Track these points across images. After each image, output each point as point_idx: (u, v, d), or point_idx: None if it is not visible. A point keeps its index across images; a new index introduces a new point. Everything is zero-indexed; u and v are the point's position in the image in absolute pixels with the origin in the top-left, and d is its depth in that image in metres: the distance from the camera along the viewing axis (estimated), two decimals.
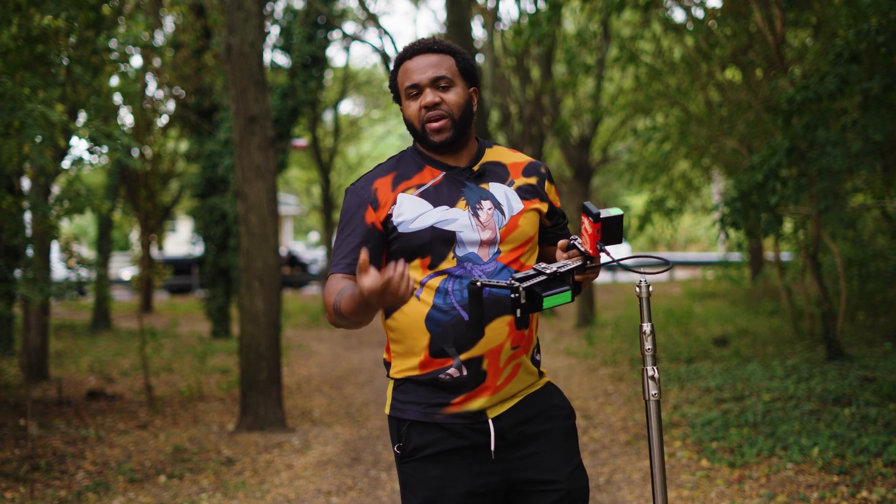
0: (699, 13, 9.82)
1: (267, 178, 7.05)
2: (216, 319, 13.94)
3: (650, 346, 2.04)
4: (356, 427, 7.19)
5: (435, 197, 2.15)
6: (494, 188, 2.19)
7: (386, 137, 29.47)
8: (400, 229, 2.12)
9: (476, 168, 2.21)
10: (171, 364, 10.75)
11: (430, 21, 31.12)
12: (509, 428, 2.14)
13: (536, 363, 2.24)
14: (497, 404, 2.14)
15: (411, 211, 2.13)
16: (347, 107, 28.18)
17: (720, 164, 12.37)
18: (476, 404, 2.13)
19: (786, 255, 14.14)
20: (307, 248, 36.01)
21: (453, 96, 2.15)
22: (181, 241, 35.17)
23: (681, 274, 25.19)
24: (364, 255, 1.82)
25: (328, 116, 21.88)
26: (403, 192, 2.16)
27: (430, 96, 2.14)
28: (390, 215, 2.14)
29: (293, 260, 26.57)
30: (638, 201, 24.56)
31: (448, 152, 2.20)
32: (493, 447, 2.13)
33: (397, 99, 2.24)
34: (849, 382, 6.47)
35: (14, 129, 5.86)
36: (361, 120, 24.92)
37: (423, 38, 2.21)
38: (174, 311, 18.97)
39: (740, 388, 6.98)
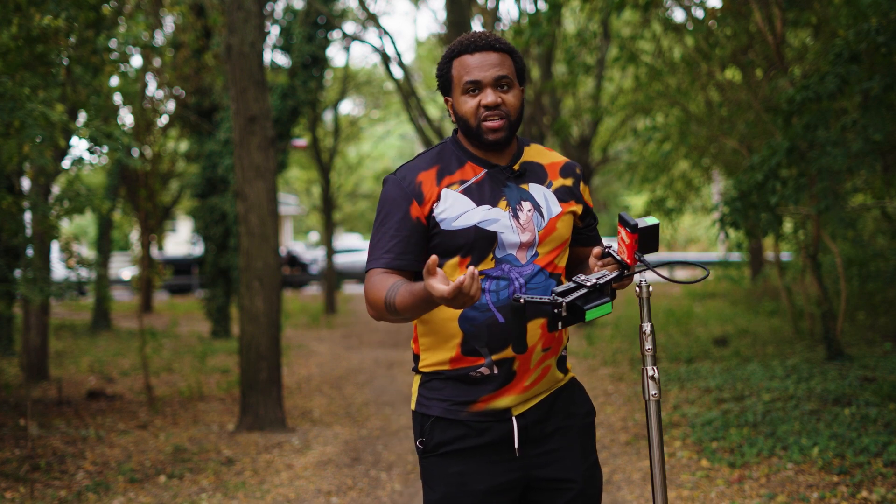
0: (699, 13, 9.82)
1: (267, 178, 7.05)
2: (216, 319, 13.94)
3: (650, 346, 2.04)
4: (356, 427, 7.19)
5: (478, 195, 2.13)
6: (534, 189, 2.18)
7: (386, 137, 29.44)
8: (442, 226, 2.10)
9: (517, 167, 2.20)
10: (171, 364, 10.75)
11: (430, 21, 31.13)
12: (532, 425, 2.15)
13: (563, 360, 2.23)
14: (522, 402, 2.15)
15: (455, 208, 2.11)
16: (347, 107, 28.17)
17: (720, 164, 12.38)
18: (502, 403, 2.13)
19: (786, 255, 14.13)
20: (307, 248, 35.99)
21: (512, 98, 2.14)
22: (181, 241, 35.15)
23: (681, 274, 25.19)
24: (434, 258, 1.83)
25: (328, 116, 21.87)
26: (447, 187, 2.13)
27: (491, 96, 2.11)
28: (433, 210, 2.11)
29: (293, 260, 26.57)
30: (638, 201, 24.56)
31: (494, 150, 2.18)
32: (517, 444, 2.12)
33: (446, 90, 2.21)
34: (849, 382, 6.47)
35: (14, 129, 5.86)
36: (361, 120, 24.90)
37: (484, 33, 2.18)
38: (174, 311, 18.97)
39: (740, 388, 6.98)
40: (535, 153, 2.26)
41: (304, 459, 6.10)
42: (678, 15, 12.92)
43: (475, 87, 2.12)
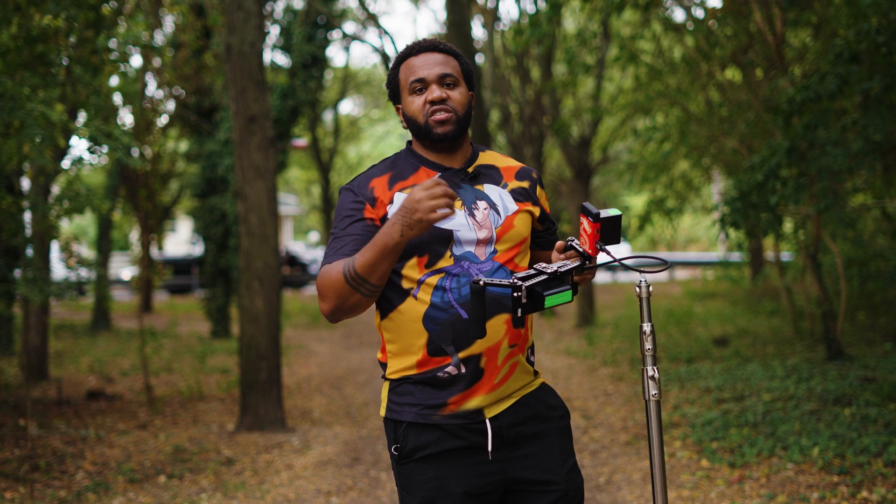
0: (699, 13, 9.83)
1: (267, 178, 7.05)
2: (216, 319, 13.94)
3: (650, 346, 2.04)
4: (356, 427, 7.19)
5: None
6: (489, 189, 2.21)
7: (386, 137, 29.48)
8: None
9: (470, 170, 2.23)
10: (171, 364, 10.75)
11: (430, 21, 31.14)
12: (506, 428, 2.15)
13: (531, 363, 2.25)
14: (494, 403, 2.15)
15: None
16: (347, 107, 28.19)
17: (720, 164, 12.38)
18: (473, 403, 2.13)
19: (786, 255, 14.13)
20: (307, 248, 36.02)
21: (458, 95, 2.18)
22: (181, 241, 35.18)
23: (681, 274, 25.19)
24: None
25: (328, 116, 21.89)
26: (400, 191, 2.17)
27: (437, 91, 2.15)
28: (387, 214, 2.14)
29: (293, 260, 26.58)
30: (638, 201, 24.56)
31: (446, 151, 2.22)
32: (490, 447, 2.13)
33: (395, 97, 2.25)
34: (849, 382, 6.47)
35: (14, 129, 5.86)
36: (361, 120, 24.93)
37: (428, 38, 2.24)
38: (174, 311, 18.97)
39: (740, 388, 6.98)
40: (490, 157, 2.30)
41: (303, 459, 6.10)
42: (678, 15, 12.94)
43: (421, 86, 2.17)
